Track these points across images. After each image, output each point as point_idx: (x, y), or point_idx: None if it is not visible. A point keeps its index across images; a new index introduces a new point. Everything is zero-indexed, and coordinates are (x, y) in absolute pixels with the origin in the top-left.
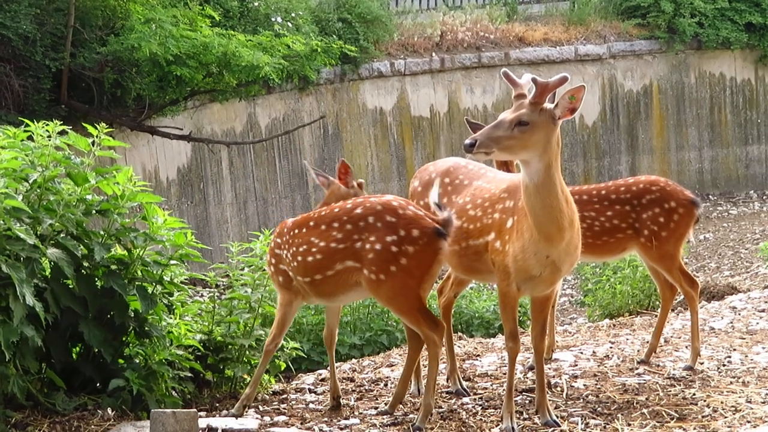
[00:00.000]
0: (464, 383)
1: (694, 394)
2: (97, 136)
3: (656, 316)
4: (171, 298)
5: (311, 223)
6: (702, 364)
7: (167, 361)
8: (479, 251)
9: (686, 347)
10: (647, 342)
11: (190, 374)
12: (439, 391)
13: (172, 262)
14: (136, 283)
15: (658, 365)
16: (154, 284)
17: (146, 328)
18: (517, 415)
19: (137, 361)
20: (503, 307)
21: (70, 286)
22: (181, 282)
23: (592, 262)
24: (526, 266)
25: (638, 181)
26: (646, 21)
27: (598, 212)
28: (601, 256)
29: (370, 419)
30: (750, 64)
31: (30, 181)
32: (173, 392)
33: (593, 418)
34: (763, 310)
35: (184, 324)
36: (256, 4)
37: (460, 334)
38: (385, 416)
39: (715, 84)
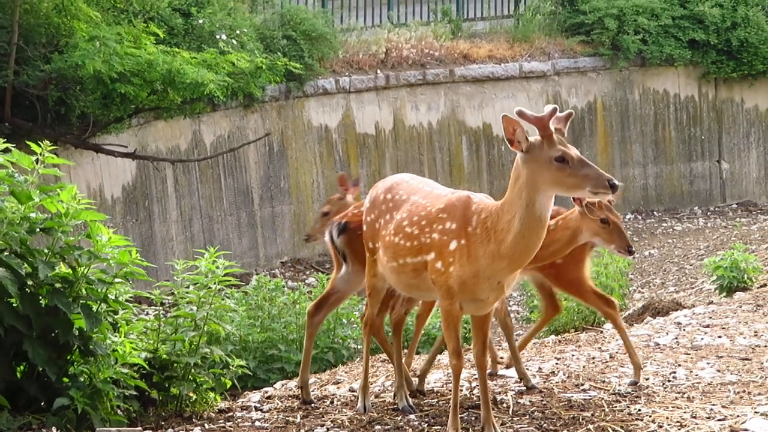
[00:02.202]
0: (411, 400)
1: (639, 410)
2: (41, 154)
3: (601, 332)
4: (116, 317)
5: None
6: (647, 379)
7: (112, 379)
8: (417, 269)
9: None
10: (593, 358)
11: (135, 392)
12: (385, 408)
13: (116, 280)
14: (81, 301)
15: (604, 381)
16: (98, 302)
17: (91, 347)
18: None
19: (82, 379)
20: (446, 326)
21: (14, 305)
22: (126, 300)
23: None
24: (476, 290)
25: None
26: (591, 38)
27: None
28: None
29: None
30: (693, 80)
31: None
32: (118, 411)
33: None
34: (707, 326)
35: (129, 342)
36: (200, 21)
37: (407, 350)
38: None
39: (659, 101)
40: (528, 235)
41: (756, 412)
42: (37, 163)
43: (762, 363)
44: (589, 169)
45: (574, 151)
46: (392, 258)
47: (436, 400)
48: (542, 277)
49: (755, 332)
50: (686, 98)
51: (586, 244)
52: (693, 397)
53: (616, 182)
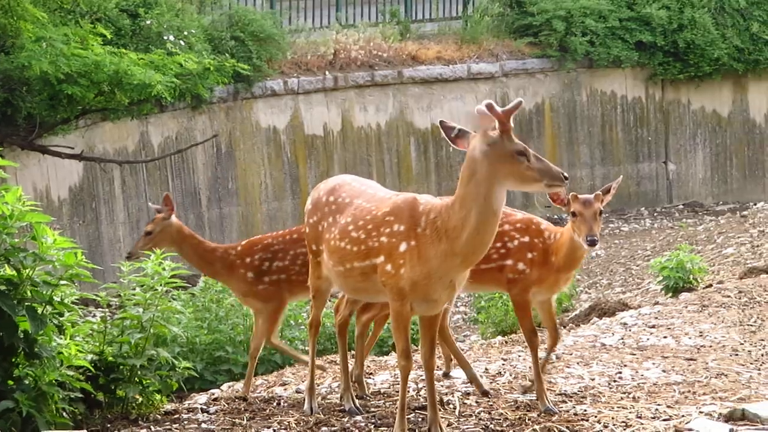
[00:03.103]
0: (357, 401)
1: (585, 410)
2: None
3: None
4: (61, 319)
5: None
6: (593, 380)
7: (57, 382)
8: (365, 272)
9: (578, 363)
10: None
11: (81, 395)
12: (332, 409)
13: (62, 282)
14: (26, 303)
15: (550, 381)
16: (43, 305)
17: (36, 349)
18: None
19: (27, 382)
20: (396, 326)
21: None
22: (72, 302)
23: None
24: (429, 290)
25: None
26: (538, 39)
27: None
28: None
29: None
30: (641, 82)
31: None
32: (64, 413)
33: None
34: (653, 326)
35: (74, 344)
36: (148, 22)
37: (353, 352)
38: None
39: (606, 102)
40: (483, 230)
41: (701, 412)
42: None
43: (707, 363)
44: (544, 163)
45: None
46: (338, 262)
47: (382, 401)
48: None
49: (700, 332)
50: (633, 100)
51: None
52: (638, 398)
53: (566, 175)
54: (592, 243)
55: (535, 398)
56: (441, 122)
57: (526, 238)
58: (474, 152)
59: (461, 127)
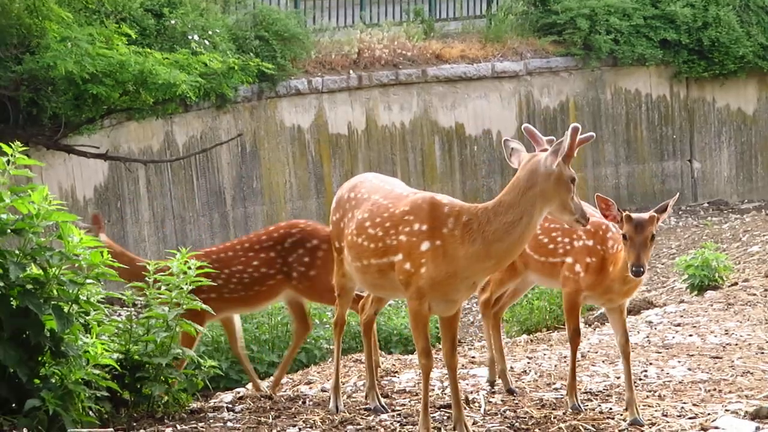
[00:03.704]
0: (383, 400)
1: (610, 409)
2: (12, 155)
3: None
4: (87, 318)
5: None
6: (618, 378)
7: (84, 380)
8: (383, 269)
9: (603, 362)
10: (565, 357)
11: (107, 394)
12: (357, 407)
13: (88, 281)
14: (52, 302)
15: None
16: (70, 303)
17: (62, 348)
18: (435, 431)
19: (53, 381)
20: (415, 325)
21: None
22: (98, 301)
23: (245, 312)
24: (450, 290)
25: (278, 227)
26: (563, 38)
27: (245, 264)
28: (255, 306)
29: None
30: (665, 80)
31: None
32: (90, 412)
33: None
34: (678, 325)
35: (100, 343)
36: (173, 22)
37: (379, 350)
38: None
39: (630, 100)
40: (524, 240)
41: (726, 410)
42: (8, 165)
43: (732, 361)
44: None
45: None
46: (356, 258)
47: (408, 399)
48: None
49: (726, 331)
50: (658, 98)
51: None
52: (664, 396)
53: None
54: (636, 273)
55: (560, 396)
56: (504, 140)
57: (591, 242)
58: (539, 167)
59: (516, 144)
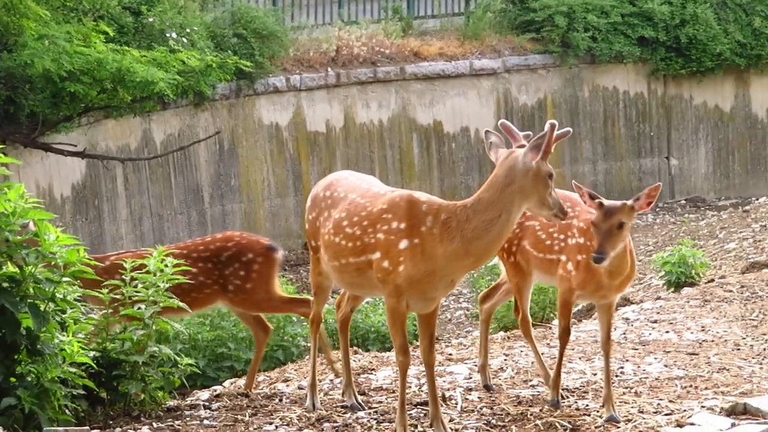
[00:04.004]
0: (359, 397)
1: (587, 405)
2: None
3: (551, 327)
4: (64, 316)
5: None
6: (595, 375)
7: (60, 378)
8: (361, 268)
9: (580, 358)
10: (542, 354)
11: (83, 392)
12: (334, 405)
13: (64, 279)
14: (28, 300)
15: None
16: (46, 302)
17: (38, 346)
18: (411, 429)
19: (29, 379)
20: (393, 323)
21: None
22: (75, 299)
23: (178, 318)
24: (428, 287)
25: (215, 239)
26: (540, 35)
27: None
28: (190, 313)
29: None
30: (643, 77)
31: None
32: (66, 410)
33: (487, 430)
34: (655, 321)
35: (77, 341)
36: (150, 20)
37: (355, 348)
38: None
39: (608, 97)
40: (503, 237)
41: (703, 407)
42: None
43: (709, 358)
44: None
45: None
46: (333, 257)
47: (385, 396)
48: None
49: (702, 327)
50: (635, 95)
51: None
52: (640, 392)
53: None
54: (595, 260)
55: (537, 393)
56: (486, 131)
57: (582, 240)
58: (517, 164)
59: (496, 138)
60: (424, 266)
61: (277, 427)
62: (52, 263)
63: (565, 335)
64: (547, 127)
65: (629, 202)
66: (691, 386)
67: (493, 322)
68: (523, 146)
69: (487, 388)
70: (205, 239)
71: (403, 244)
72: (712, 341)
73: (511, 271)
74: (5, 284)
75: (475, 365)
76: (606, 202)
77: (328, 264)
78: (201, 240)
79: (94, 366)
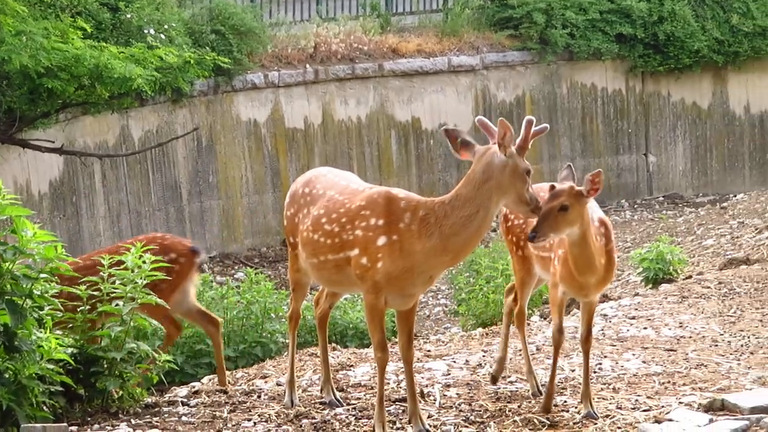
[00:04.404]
0: (338, 394)
1: (565, 402)
2: None
3: (528, 324)
4: (41, 312)
5: None
6: (573, 371)
7: (38, 375)
8: (339, 265)
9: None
10: (519, 350)
11: (61, 388)
12: (313, 401)
13: (42, 275)
14: (6, 297)
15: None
16: (23, 298)
17: (16, 343)
18: (390, 425)
19: (7, 376)
20: (371, 319)
21: None
22: (52, 295)
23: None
24: (407, 284)
25: (137, 239)
26: (519, 32)
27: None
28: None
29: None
30: (621, 74)
31: None
32: (44, 407)
33: (466, 427)
34: (633, 318)
35: (54, 338)
36: (128, 16)
37: (334, 344)
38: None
39: (586, 94)
40: (481, 233)
41: (680, 403)
42: None
43: (687, 354)
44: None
45: None
46: (312, 254)
47: (363, 393)
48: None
49: (680, 323)
50: (614, 92)
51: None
52: (618, 388)
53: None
54: (530, 238)
55: (515, 389)
56: (446, 131)
57: None
58: (494, 160)
59: (466, 137)
60: (402, 263)
61: (255, 423)
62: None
63: (557, 334)
64: (524, 123)
65: (577, 187)
66: (669, 382)
67: (471, 319)
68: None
69: (494, 380)
70: (127, 241)
71: (382, 240)
72: (690, 337)
73: (517, 264)
74: None
75: (454, 361)
76: (557, 184)
77: (307, 261)
78: (122, 242)
79: (72, 363)
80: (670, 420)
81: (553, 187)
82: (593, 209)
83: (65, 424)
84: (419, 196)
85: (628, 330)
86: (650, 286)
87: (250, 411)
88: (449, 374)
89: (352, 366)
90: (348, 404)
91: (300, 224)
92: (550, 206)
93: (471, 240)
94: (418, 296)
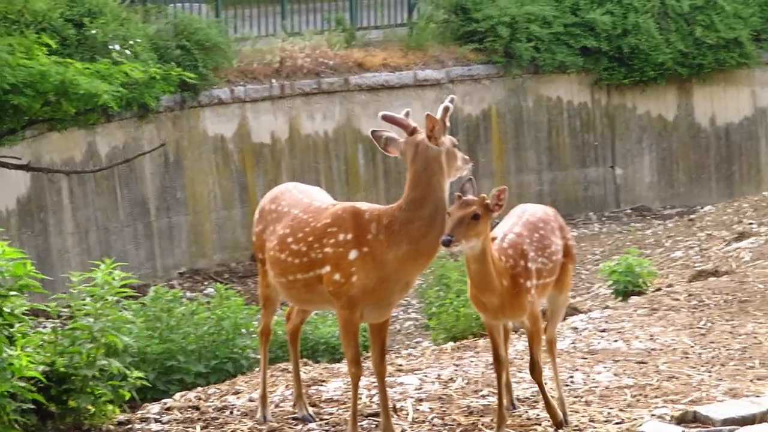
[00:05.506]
0: (310, 409)
1: (538, 415)
2: None
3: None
4: (11, 330)
5: None
6: (546, 384)
7: (9, 393)
8: (309, 284)
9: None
10: (492, 364)
11: (32, 406)
12: (285, 417)
13: (11, 293)
14: None
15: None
16: None
17: None
18: None
19: None
20: (345, 334)
21: None
22: (22, 313)
23: None
24: (384, 294)
25: None
26: (484, 46)
27: None
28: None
29: None
30: (586, 87)
31: None
32: (16, 425)
33: None
34: (603, 330)
35: (25, 355)
36: (93, 32)
37: (305, 359)
38: None
39: (552, 107)
40: (442, 224)
41: (652, 415)
42: None
43: (658, 366)
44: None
45: None
46: (280, 274)
47: (336, 408)
48: None
49: (651, 336)
50: (579, 105)
51: None
52: (590, 401)
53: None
54: (444, 243)
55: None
56: (372, 132)
57: None
58: (430, 155)
59: (388, 134)
60: (377, 273)
61: None
62: None
63: (495, 363)
64: (441, 108)
65: (487, 199)
66: (640, 395)
67: (442, 332)
68: (415, 131)
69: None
70: None
71: (353, 254)
72: (661, 350)
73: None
74: None
75: (426, 376)
76: (467, 197)
77: (275, 280)
78: None
79: (44, 380)
80: None
81: (460, 197)
82: (512, 229)
83: None
84: (379, 205)
85: (599, 342)
86: (620, 298)
87: (222, 427)
88: (421, 388)
89: (324, 381)
90: (321, 419)
91: (267, 242)
92: (463, 213)
93: (439, 236)
94: (394, 306)
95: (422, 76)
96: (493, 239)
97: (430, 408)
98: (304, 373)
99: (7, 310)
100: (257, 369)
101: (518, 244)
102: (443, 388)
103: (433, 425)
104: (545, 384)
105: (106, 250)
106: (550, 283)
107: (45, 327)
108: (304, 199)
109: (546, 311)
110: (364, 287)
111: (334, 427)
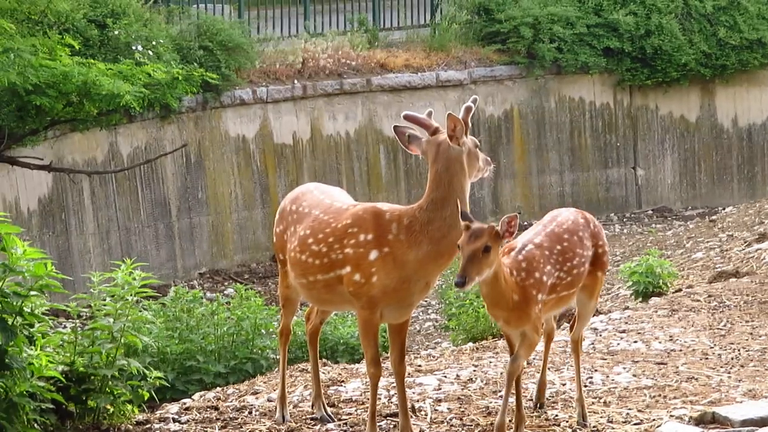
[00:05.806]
0: (329, 409)
1: (556, 416)
2: None
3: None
4: (32, 330)
5: None
6: (564, 385)
7: (28, 393)
8: (330, 284)
9: (549, 369)
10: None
11: (52, 406)
12: (304, 417)
13: (32, 293)
14: None
15: (524, 387)
16: (14, 316)
17: (6, 360)
18: None
19: None
20: (365, 335)
21: None
22: (42, 313)
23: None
24: (405, 294)
25: None
26: (506, 46)
27: None
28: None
29: None
30: (608, 88)
31: None
32: (35, 424)
33: None
34: (623, 331)
35: (45, 355)
36: (116, 32)
37: (324, 360)
38: None
39: (574, 108)
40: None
41: (671, 416)
42: None
43: (677, 367)
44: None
45: None
46: (301, 275)
47: (354, 408)
48: None
49: (670, 337)
50: (601, 105)
51: None
52: (609, 402)
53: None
54: (456, 284)
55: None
56: (395, 127)
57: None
58: (451, 155)
59: (411, 131)
60: (398, 273)
61: None
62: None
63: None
64: (463, 109)
65: (496, 227)
66: (659, 396)
67: (461, 333)
68: (437, 131)
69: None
70: None
71: (373, 255)
72: (680, 351)
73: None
74: None
75: (445, 376)
76: (475, 225)
77: (296, 281)
78: None
79: (63, 380)
80: None
81: (468, 227)
82: (533, 239)
83: None
84: (400, 206)
85: (618, 344)
86: (640, 299)
87: (241, 427)
88: (440, 389)
89: (343, 381)
90: (339, 420)
91: (288, 242)
92: (473, 248)
93: (460, 235)
94: (414, 307)
95: (444, 77)
96: (512, 249)
97: (448, 408)
98: (323, 373)
99: (27, 310)
100: (276, 369)
101: (534, 257)
102: (462, 389)
103: (452, 426)
104: (549, 385)
105: (127, 251)
106: (566, 297)
107: (65, 327)
108: (325, 199)
109: (574, 314)
110: (384, 288)
111: (352, 427)
